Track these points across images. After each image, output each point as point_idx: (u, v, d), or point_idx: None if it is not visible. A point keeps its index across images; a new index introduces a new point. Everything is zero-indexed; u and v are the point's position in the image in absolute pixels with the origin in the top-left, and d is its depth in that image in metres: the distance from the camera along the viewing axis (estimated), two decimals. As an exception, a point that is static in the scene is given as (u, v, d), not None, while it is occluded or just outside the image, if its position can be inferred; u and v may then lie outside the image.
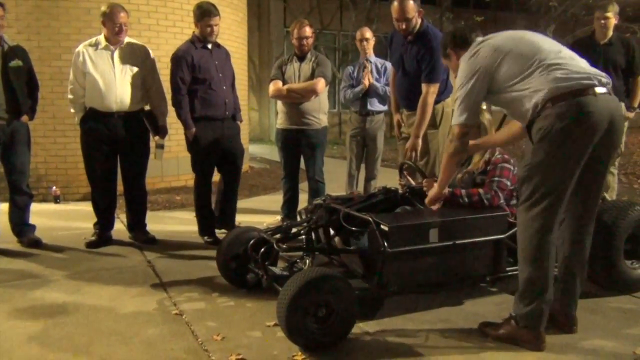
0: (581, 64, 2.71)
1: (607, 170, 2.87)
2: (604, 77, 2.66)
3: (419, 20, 4.11)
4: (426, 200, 3.31)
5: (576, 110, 2.55)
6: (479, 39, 2.93)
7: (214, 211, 4.79)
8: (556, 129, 2.56)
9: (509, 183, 3.40)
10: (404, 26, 4.03)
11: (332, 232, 3.51)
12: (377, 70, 5.52)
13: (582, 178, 2.69)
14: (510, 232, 3.25)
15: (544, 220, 2.66)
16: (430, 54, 4.01)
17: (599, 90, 2.59)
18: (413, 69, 4.17)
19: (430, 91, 4.04)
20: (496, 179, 3.39)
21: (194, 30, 4.60)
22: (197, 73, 4.46)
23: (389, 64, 5.33)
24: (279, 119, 5.07)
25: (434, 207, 3.30)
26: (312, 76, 4.80)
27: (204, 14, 4.44)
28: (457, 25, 3.17)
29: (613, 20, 5.07)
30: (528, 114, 2.67)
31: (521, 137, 3.08)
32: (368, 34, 5.60)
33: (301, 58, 4.90)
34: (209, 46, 4.56)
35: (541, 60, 2.67)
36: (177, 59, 4.45)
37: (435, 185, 3.22)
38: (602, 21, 5.07)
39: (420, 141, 4.15)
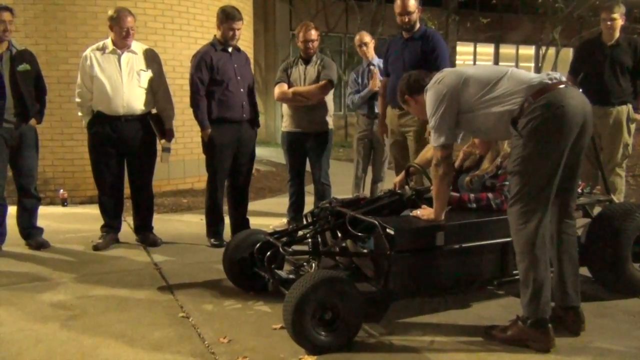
0: (534, 74, 2.90)
1: (582, 157, 2.92)
2: (556, 75, 2.83)
3: (418, 21, 4.50)
4: (420, 217, 3.18)
5: (558, 100, 2.66)
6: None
7: (223, 216, 4.81)
8: (543, 121, 2.64)
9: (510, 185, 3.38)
10: (406, 19, 4.46)
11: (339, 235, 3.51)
12: (381, 72, 5.52)
13: (564, 168, 2.75)
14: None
15: (539, 212, 2.70)
16: (437, 45, 4.43)
17: (562, 86, 2.73)
18: (415, 64, 4.36)
19: None
20: (507, 183, 3.37)
21: (214, 33, 4.67)
22: (215, 75, 4.50)
23: None
24: (285, 122, 5.08)
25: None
26: (318, 79, 4.81)
27: (228, 17, 4.50)
28: (410, 72, 3.34)
29: (619, 22, 5.05)
30: (506, 119, 2.76)
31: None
32: (366, 38, 5.61)
33: (307, 61, 4.91)
34: (229, 49, 4.60)
35: (503, 70, 2.88)
36: (197, 60, 4.51)
37: (432, 211, 3.11)
38: (609, 22, 5.05)
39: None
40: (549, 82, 2.73)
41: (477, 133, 3.18)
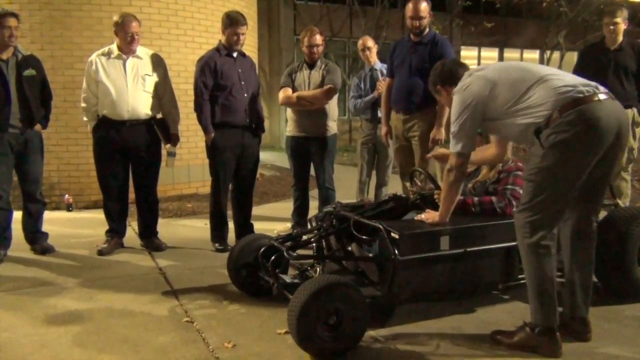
0: (572, 77, 2.77)
1: (612, 172, 2.88)
2: (599, 85, 2.70)
3: (428, 26, 4.51)
4: (425, 220, 3.19)
5: (585, 117, 2.56)
6: (468, 72, 3.02)
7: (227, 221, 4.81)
8: (568, 137, 2.56)
9: (521, 191, 3.37)
10: (417, 24, 4.47)
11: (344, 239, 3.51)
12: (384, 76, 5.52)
13: (589, 180, 2.69)
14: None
15: (547, 226, 2.67)
16: (445, 51, 4.45)
17: (602, 96, 2.62)
18: (422, 68, 4.42)
19: None
20: (509, 187, 3.36)
21: (219, 38, 4.69)
22: (219, 79, 4.52)
23: None
24: (289, 127, 5.08)
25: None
26: (322, 84, 4.81)
27: (232, 22, 4.52)
28: (444, 60, 3.31)
29: (622, 26, 5.04)
30: (532, 130, 2.69)
31: (494, 162, 3.35)
32: (369, 42, 5.61)
33: (311, 65, 4.92)
34: (234, 54, 4.62)
35: (534, 77, 2.73)
36: (201, 65, 4.54)
37: (436, 215, 3.13)
38: (611, 27, 5.04)
39: (443, 130, 4.42)
40: (581, 95, 2.60)
41: (499, 135, 3.13)
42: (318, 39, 4.85)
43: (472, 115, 2.83)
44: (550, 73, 2.77)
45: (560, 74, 2.77)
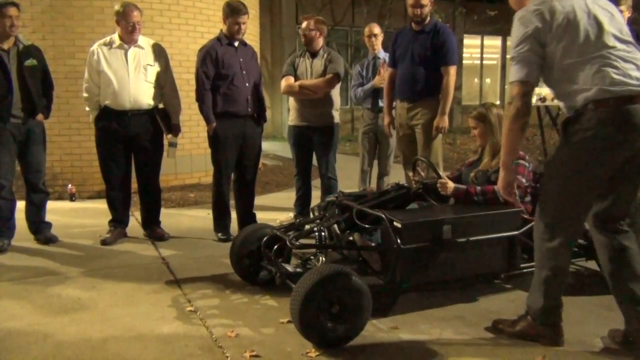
0: (635, 67, 2.45)
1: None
2: None
3: (429, 15, 4.51)
4: (500, 190, 2.80)
5: (619, 119, 2.38)
6: None
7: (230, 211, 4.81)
8: (595, 135, 2.40)
9: (524, 180, 3.37)
10: (418, 12, 4.46)
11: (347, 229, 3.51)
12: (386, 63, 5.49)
13: (623, 179, 2.52)
14: (525, 228, 3.23)
15: (568, 230, 2.57)
16: (447, 39, 4.45)
17: None
18: (424, 57, 4.46)
19: (451, 72, 4.46)
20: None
21: (221, 28, 4.67)
22: (220, 69, 4.51)
23: None
24: (291, 116, 5.07)
25: (511, 197, 2.83)
26: (325, 72, 4.80)
27: (234, 12, 4.50)
28: None
29: (626, 14, 5.00)
30: (569, 104, 2.50)
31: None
32: (376, 29, 5.58)
33: (313, 54, 4.90)
34: (235, 44, 4.61)
35: (601, 50, 2.42)
36: (202, 54, 4.53)
37: (501, 165, 2.72)
38: None
39: (447, 118, 4.46)
40: (630, 92, 2.34)
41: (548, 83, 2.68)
42: (311, 24, 4.83)
43: (533, 44, 2.47)
44: (617, 55, 2.42)
45: (627, 57, 2.44)
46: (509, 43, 20.03)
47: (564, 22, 2.45)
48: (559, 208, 2.55)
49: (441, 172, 3.64)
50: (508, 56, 20.18)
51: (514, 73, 2.52)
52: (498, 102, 18.72)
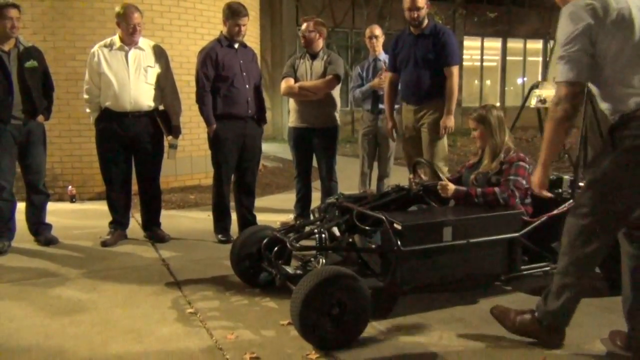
0: None
1: None
2: None
3: (426, 17, 4.53)
4: (535, 187, 2.67)
5: None
6: None
7: (230, 212, 4.81)
8: None
9: (524, 182, 3.37)
10: (415, 15, 4.47)
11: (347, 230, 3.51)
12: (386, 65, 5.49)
13: None
14: (525, 230, 3.23)
15: (603, 238, 2.45)
16: (448, 41, 4.49)
17: None
18: (427, 60, 4.49)
19: (454, 73, 4.52)
20: (512, 177, 3.36)
21: (221, 29, 4.68)
22: (220, 70, 4.51)
23: None
24: (291, 118, 5.08)
25: (546, 193, 2.70)
26: (325, 74, 4.80)
27: (234, 14, 4.51)
28: None
29: None
30: (618, 108, 2.37)
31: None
32: (377, 31, 5.59)
33: (313, 56, 4.90)
34: (235, 45, 4.62)
35: None
36: (202, 56, 4.54)
37: (540, 164, 2.59)
38: None
39: (453, 117, 4.49)
40: None
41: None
42: (310, 26, 4.84)
43: (584, 42, 2.32)
44: None
45: None
46: (509, 44, 20.08)
47: (618, 18, 2.30)
48: (599, 215, 2.42)
49: (444, 173, 3.63)
50: (509, 58, 20.22)
51: (563, 73, 2.37)
52: (498, 104, 18.73)
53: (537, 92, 4.16)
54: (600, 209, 2.41)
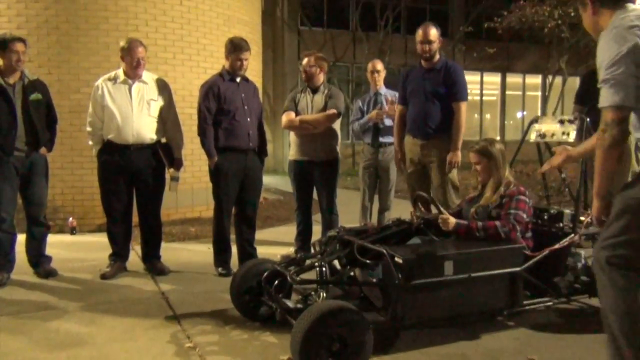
0: None
1: None
2: None
3: (438, 52, 4.61)
4: (595, 221, 2.51)
5: None
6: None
7: (230, 245, 4.80)
8: None
9: (525, 215, 3.37)
10: (427, 48, 4.55)
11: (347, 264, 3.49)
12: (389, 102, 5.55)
13: None
14: (527, 264, 3.21)
15: (637, 258, 2.24)
16: (458, 78, 4.59)
17: None
18: (436, 94, 4.57)
19: (462, 108, 4.59)
20: (512, 211, 3.36)
21: (223, 64, 4.75)
22: (222, 104, 4.57)
23: None
24: (292, 151, 5.11)
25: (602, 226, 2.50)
26: (325, 108, 4.85)
27: (236, 48, 4.59)
28: None
29: None
30: None
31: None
32: (379, 65, 5.66)
33: (314, 90, 4.96)
34: (237, 79, 4.68)
35: None
36: (205, 90, 4.60)
37: (595, 196, 2.41)
38: None
39: (459, 153, 4.56)
40: None
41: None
42: (311, 61, 4.91)
43: (629, 64, 2.20)
44: None
45: None
46: (508, 79, 20.30)
47: None
48: (634, 245, 2.25)
49: (443, 209, 3.63)
50: (508, 92, 20.41)
51: (608, 97, 2.24)
52: (498, 138, 18.82)
53: (536, 126, 4.18)
54: (629, 239, 2.23)
